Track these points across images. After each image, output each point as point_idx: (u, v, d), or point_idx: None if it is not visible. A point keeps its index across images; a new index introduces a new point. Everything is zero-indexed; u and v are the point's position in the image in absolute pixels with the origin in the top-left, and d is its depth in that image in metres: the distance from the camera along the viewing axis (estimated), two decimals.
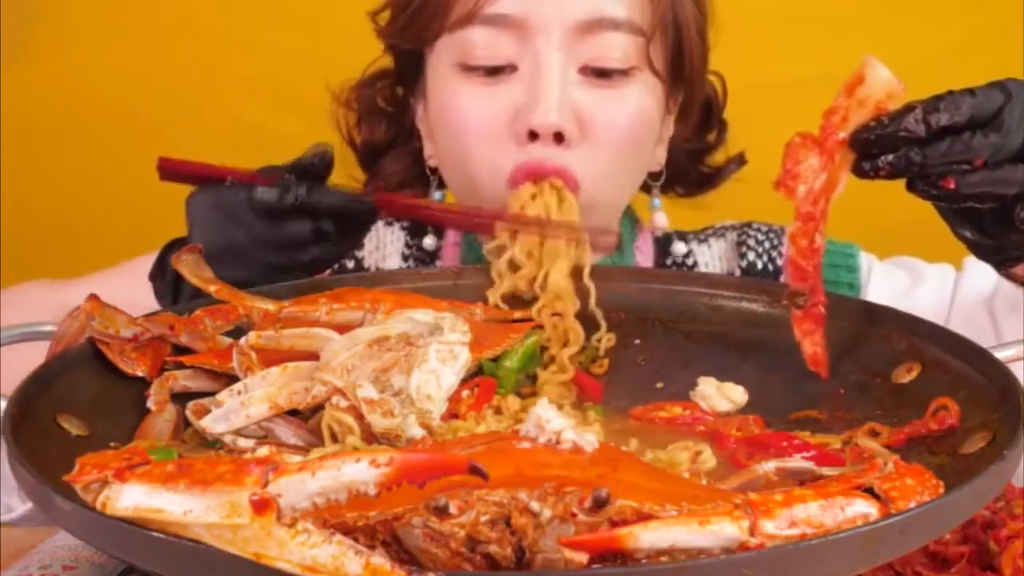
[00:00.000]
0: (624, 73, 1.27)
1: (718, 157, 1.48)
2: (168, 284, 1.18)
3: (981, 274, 1.39)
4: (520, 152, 1.25)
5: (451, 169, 1.35)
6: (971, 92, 0.97)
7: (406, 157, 1.45)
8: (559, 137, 1.24)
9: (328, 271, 1.27)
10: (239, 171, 1.16)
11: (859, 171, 0.98)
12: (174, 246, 1.18)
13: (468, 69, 1.28)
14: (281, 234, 1.13)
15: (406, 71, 1.40)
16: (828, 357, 1.05)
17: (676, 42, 1.32)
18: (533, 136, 1.24)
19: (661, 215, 1.42)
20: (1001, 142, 0.96)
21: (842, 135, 0.98)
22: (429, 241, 1.47)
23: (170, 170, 1.16)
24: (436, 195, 1.40)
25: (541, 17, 1.24)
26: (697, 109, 1.41)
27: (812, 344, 1.05)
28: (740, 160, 1.48)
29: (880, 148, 0.96)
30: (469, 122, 1.28)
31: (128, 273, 1.33)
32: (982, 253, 1.09)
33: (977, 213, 1.03)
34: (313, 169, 1.14)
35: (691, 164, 1.47)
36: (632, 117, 1.28)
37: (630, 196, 1.38)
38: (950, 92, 0.97)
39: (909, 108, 0.96)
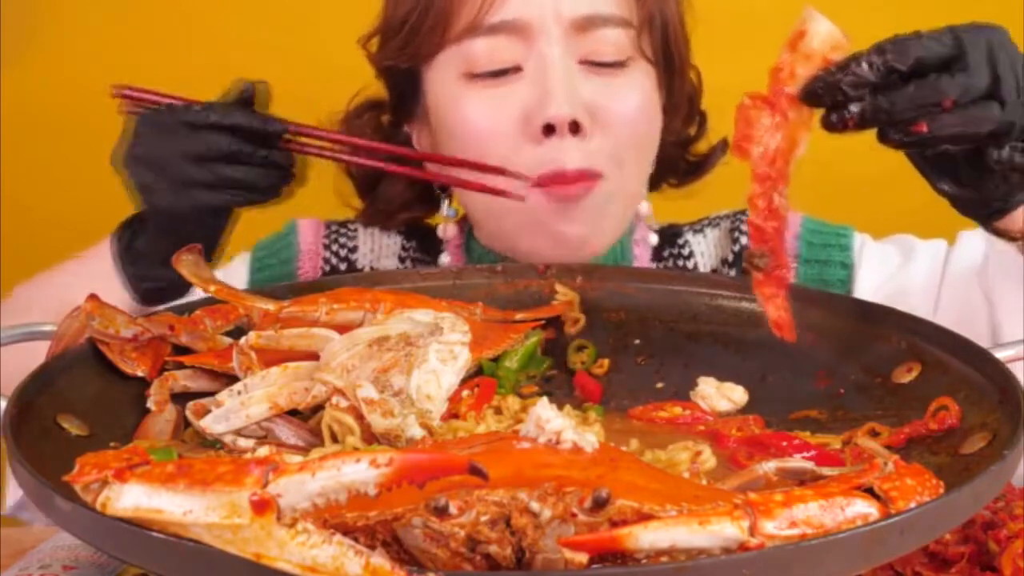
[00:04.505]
0: (622, 64, 1.31)
1: (702, 146, 1.52)
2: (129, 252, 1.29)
3: (972, 246, 1.40)
4: (538, 149, 1.28)
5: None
6: (917, 34, 0.96)
7: (402, 180, 1.46)
8: (575, 127, 1.26)
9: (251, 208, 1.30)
10: (183, 99, 1.28)
11: (827, 124, 0.96)
12: (130, 225, 1.31)
13: (474, 76, 1.30)
14: (199, 145, 1.23)
15: (401, 95, 1.42)
16: (793, 320, 1.01)
17: (663, 33, 1.37)
18: (549, 131, 1.27)
19: (645, 204, 1.44)
20: (968, 82, 0.94)
21: (790, 90, 0.96)
22: (444, 259, 1.47)
23: (131, 99, 1.30)
24: (449, 212, 1.44)
25: (541, 19, 1.28)
26: (685, 101, 1.45)
27: (776, 308, 1.02)
28: (723, 147, 1.51)
29: (832, 98, 0.95)
30: (481, 127, 1.30)
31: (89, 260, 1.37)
32: (966, 208, 1.07)
33: (951, 162, 1.02)
34: (240, 100, 1.28)
35: (679, 155, 1.50)
36: (638, 101, 1.32)
37: (644, 183, 1.40)
38: (895, 35, 0.96)
39: (856, 55, 0.95)
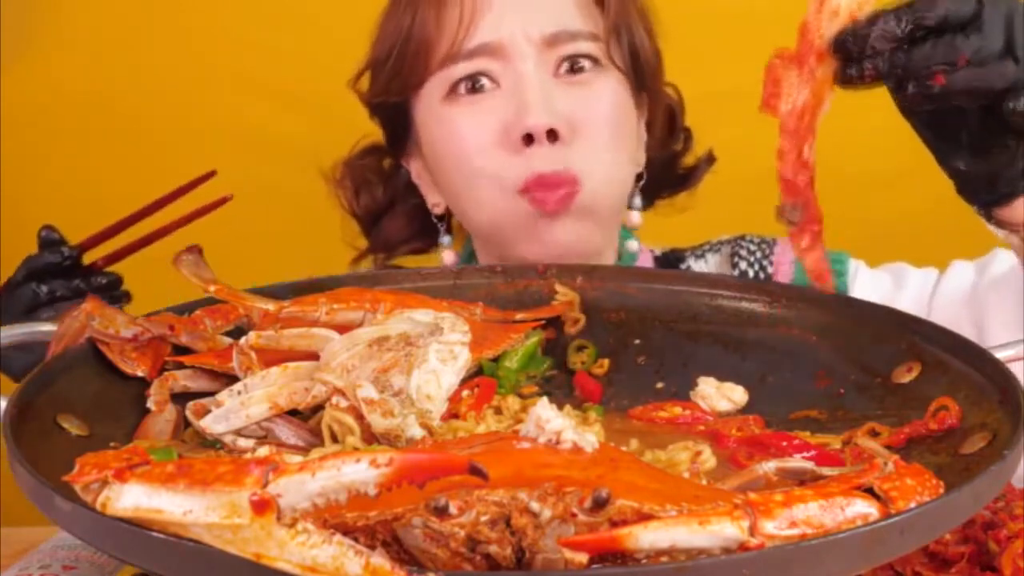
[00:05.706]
0: (595, 63, 1.37)
1: (688, 160, 1.58)
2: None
3: (961, 275, 1.44)
4: (520, 159, 1.32)
5: (461, 199, 1.40)
6: None
7: (404, 215, 1.54)
8: (553, 135, 1.31)
9: None
10: None
11: (844, 77, 0.98)
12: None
13: (455, 95, 1.36)
14: (19, 303, 1.38)
15: (395, 131, 1.48)
16: (830, 268, 1.04)
17: (631, 46, 1.43)
18: (528, 140, 1.31)
19: (635, 214, 1.49)
20: (982, 42, 0.97)
21: (819, 45, 0.98)
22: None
23: None
24: (445, 239, 1.49)
25: (512, 38, 1.35)
26: (661, 118, 1.50)
27: (812, 259, 1.03)
28: (709, 158, 1.58)
29: (860, 50, 0.97)
30: (466, 138, 1.36)
31: None
32: (974, 192, 1.08)
33: (965, 127, 1.03)
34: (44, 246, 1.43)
35: (665, 170, 1.55)
36: (610, 105, 1.38)
37: (626, 191, 1.44)
38: None
39: (884, 10, 0.97)
